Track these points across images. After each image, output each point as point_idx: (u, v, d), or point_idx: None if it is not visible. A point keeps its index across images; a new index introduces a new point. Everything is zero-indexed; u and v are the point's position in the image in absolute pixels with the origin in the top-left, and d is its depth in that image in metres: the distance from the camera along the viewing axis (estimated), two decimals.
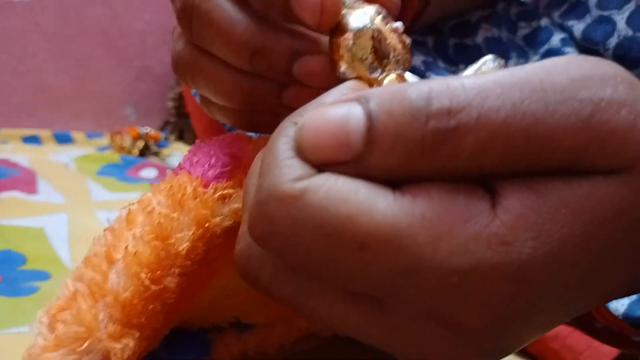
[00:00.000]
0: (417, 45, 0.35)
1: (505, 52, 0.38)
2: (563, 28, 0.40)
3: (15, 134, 0.87)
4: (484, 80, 0.13)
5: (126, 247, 0.17)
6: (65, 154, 0.76)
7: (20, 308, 0.34)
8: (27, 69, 1.04)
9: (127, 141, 0.81)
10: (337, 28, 0.17)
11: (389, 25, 0.17)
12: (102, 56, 1.09)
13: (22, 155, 0.73)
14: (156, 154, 0.82)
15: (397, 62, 0.17)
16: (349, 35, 0.17)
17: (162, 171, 0.68)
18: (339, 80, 0.17)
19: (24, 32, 1.02)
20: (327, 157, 0.13)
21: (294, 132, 0.14)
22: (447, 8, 0.38)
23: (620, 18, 0.36)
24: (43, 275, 0.40)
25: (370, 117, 0.13)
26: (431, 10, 0.34)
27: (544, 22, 0.40)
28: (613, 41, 0.36)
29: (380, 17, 0.17)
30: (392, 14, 0.18)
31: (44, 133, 0.88)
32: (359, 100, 0.13)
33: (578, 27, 0.38)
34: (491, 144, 0.13)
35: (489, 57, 0.17)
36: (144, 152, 0.81)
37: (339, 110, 0.13)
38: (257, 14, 0.19)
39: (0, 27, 0.98)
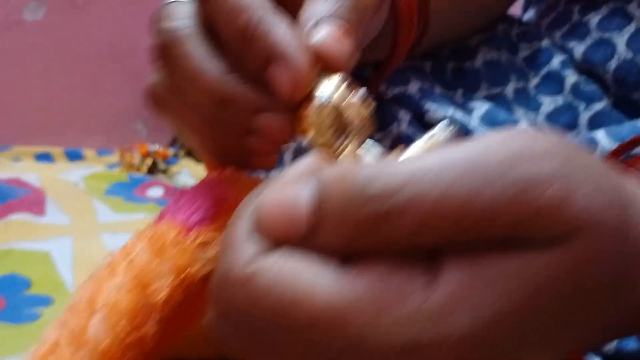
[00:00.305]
0: (414, 71, 0.35)
1: (505, 76, 0.38)
2: (564, 49, 0.39)
3: (28, 151, 0.88)
4: (418, 163, 0.14)
5: (107, 297, 0.17)
6: (76, 172, 0.77)
7: (21, 336, 0.35)
8: (37, 85, 1.06)
9: (136, 158, 0.82)
10: (305, 98, 0.19)
11: (351, 95, 0.18)
12: (112, 72, 1.10)
13: (33, 173, 0.73)
14: (164, 171, 0.83)
15: (358, 131, 0.18)
16: (312, 108, 0.18)
17: (168, 190, 0.69)
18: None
19: (35, 49, 1.03)
20: (279, 236, 0.14)
21: (252, 210, 0.15)
22: (446, 34, 0.38)
23: (621, 40, 0.36)
24: (46, 301, 0.40)
25: (315, 200, 0.14)
26: (429, 37, 0.34)
27: (545, 43, 0.40)
28: (613, 63, 0.36)
29: (342, 87, 0.18)
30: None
31: (56, 150, 0.89)
32: (307, 182, 0.15)
33: (578, 48, 0.38)
34: (426, 224, 0.13)
35: (440, 126, 0.17)
36: (152, 170, 0.81)
37: (290, 191, 0.15)
38: (229, 65, 0.20)
39: (10, 44, 1.00)
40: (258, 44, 0.19)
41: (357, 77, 0.31)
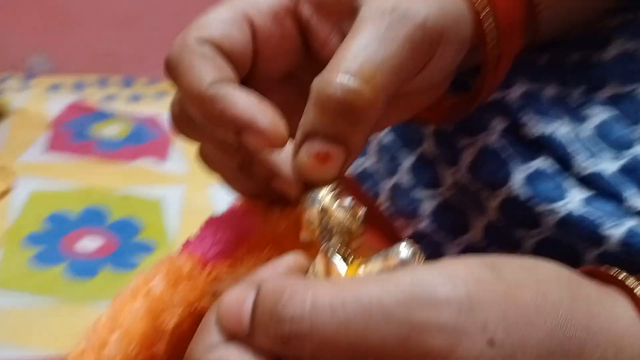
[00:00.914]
0: (522, 69, 0.31)
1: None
2: None
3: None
4: (328, 297, 0.15)
5: (124, 319, 0.19)
6: None
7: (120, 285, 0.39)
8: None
9: None
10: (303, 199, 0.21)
11: (337, 202, 0.20)
12: None
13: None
14: None
15: (340, 234, 0.20)
16: (303, 210, 0.20)
17: None
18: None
19: None
20: (230, 330, 0.17)
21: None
22: (569, 22, 0.32)
23: None
24: (149, 249, 0.45)
25: (253, 307, 0.16)
26: (546, 32, 0.29)
27: None
28: None
29: (330, 195, 0.20)
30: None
31: None
32: (255, 289, 0.17)
33: None
34: (323, 351, 0.15)
35: (401, 247, 0.18)
36: None
37: (242, 293, 0.17)
38: None
39: None
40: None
41: (459, 84, 0.28)
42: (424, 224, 0.38)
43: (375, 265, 0.19)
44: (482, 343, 0.15)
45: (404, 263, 0.18)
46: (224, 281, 0.21)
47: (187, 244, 0.22)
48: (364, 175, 0.44)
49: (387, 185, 0.40)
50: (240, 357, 0.16)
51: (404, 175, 0.38)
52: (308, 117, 0.20)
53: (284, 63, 0.23)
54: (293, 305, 0.16)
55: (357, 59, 0.19)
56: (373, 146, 0.44)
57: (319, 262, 0.20)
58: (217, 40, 0.21)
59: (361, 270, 0.19)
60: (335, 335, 0.15)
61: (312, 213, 0.20)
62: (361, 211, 0.20)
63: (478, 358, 0.14)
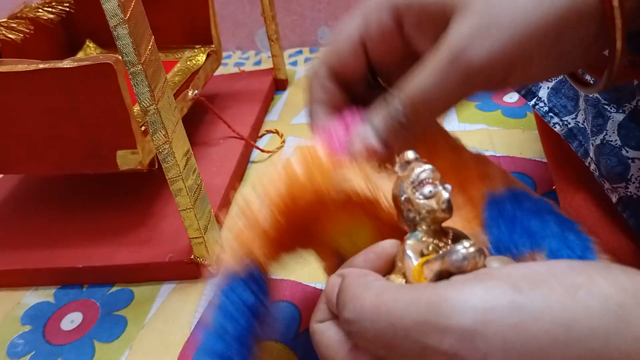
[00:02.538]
0: None
1: None
2: None
3: None
4: (372, 308, 0.19)
5: (267, 189, 0.25)
6: None
7: None
8: None
9: None
10: None
11: (417, 192, 0.21)
12: None
13: None
14: None
15: (424, 222, 0.22)
16: (392, 199, 0.23)
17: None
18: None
19: None
20: (331, 311, 0.22)
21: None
22: None
23: None
24: None
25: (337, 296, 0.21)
26: None
27: None
28: None
29: (411, 187, 0.22)
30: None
31: None
32: (341, 276, 0.21)
33: None
34: (368, 346, 0.19)
35: (458, 247, 0.19)
36: None
37: (336, 280, 0.22)
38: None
39: None
40: None
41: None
42: (633, 187, 0.35)
43: (435, 264, 0.20)
44: None
45: (457, 268, 0.19)
46: (352, 179, 0.24)
47: (327, 134, 0.26)
48: (571, 134, 0.41)
49: (595, 142, 0.37)
50: (332, 331, 0.21)
51: (611, 133, 0.35)
52: (376, 118, 0.26)
53: (398, 73, 0.27)
54: (349, 310, 0.20)
55: (414, 83, 0.24)
56: (581, 103, 0.40)
57: (398, 258, 0.23)
58: (333, 67, 0.28)
59: (425, 269, 0.20)
60: (373, 339, 0.18)
61: (397, 202, 0.23)
62: (444, 196, 0.21)
63: None
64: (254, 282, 0.25)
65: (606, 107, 0.35)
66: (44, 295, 0.52)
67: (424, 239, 0.22)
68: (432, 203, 0.21)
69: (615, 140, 0.35)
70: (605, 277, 0.16)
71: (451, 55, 0.22)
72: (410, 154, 0.23)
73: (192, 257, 0.49)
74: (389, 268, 0.23)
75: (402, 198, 0.22)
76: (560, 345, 0.15)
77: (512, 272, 0.17)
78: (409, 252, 0.21)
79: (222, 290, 0.25)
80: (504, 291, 0.16)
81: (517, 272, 0.17)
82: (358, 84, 0.29)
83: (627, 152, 0.34)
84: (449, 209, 0.21)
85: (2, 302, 0.52)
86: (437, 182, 0.22)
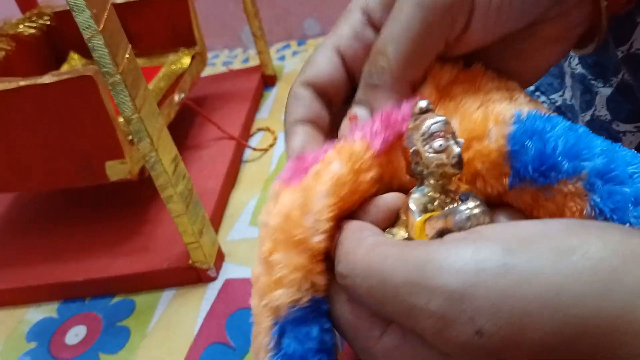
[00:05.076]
0: None
1: None
2: None
3: None
4: (365, 264, 0.18)
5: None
6: None
7: None
8: None
9: None
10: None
11: (427, 145, 0.21)
12: None
13: None
14: None
15: (433, 176, 0.21)
16: (403, 152, 0.22)
17: None
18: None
19: None
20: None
21: None
22: None
23: None
24: None
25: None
26: None
27: None
28: None
29: (421, 139, 0.21)
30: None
31: None
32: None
33: None
34: (360, 301, 0.20)
35: (462, 206, 0.18)
36: None
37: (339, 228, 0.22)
38: None
39: None
40: None
41: None
42: None
43: (438, 222, 0.19)
44: (469, 333, 0.15)
45: (459, 229, 0.18)
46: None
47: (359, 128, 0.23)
48: (559, 112, 0.41)
49: (584, 119, 0.37)
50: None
51: (600, 108, 0.35)
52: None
53: None
54: (342, 265, 0.20)
55: (380, 37, 0.23)
56: (567, 80, 0.40)
57: (402, 211, 0.22)
58: (311, 81, 0.26)
59: (427, 226, 0.20)
60: (365, 295, 0.18)
61: (406, 154, 0.22)
62: (455, 150, 0.20)
63: (466, 344, 0.15)
64: (321, 313, 0.22)
65: (593, 82, 0.35)
66: (46, 310, 0.52)
67: (430, 193, 0.21)
68: (442, 157, 0.20)
69: (605, 114, 0.34)
70: (601, 238, 0.15)
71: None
72: (422, 103, 0.22)
73: (190, 262, 0.49)
74: (391, 221, 0.22)
75: (411, 150, 0.21)
76: (548, 311, 0.14)
77: (505, 232, 0.16)
78: (413, 207, 0.21)
79: (284, 332, 0.21)
80: (494, 252, 0.16)
81: (509, 231, 0.16)
82: (338, 97, 0.27)
83: (618, 125, 0.34)
84: (458, 164, 0.20)
85: (5, 320, 0.52)
86: (449, 136, 0.21)
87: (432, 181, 0.21)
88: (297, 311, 0.21)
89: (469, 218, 0.18)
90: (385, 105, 0.23)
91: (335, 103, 0.27)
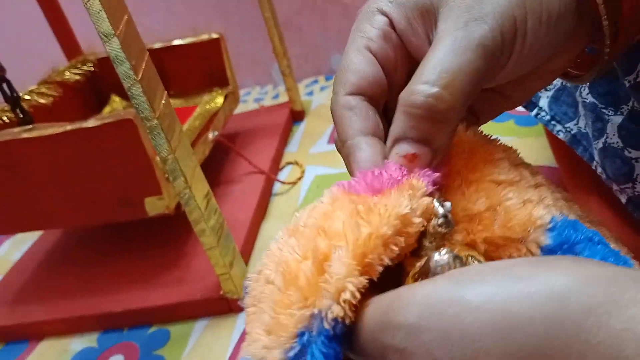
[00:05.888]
0: None
1: None
2: None
3: None
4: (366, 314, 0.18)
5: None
6: None
7: None
8: None
9: None
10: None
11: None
12: None
13: None
14: None
15: (428, 237, 0.22)
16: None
17: None
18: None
19: None
20: None
21: None
22: None
23: None
24: None
25: None
26: None
27: None
28: None
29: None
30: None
31: None
32: None
33: None
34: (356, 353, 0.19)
35: (432, 257, 0.19)
36: None
37: None
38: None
39: None
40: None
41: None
42: (639, 187, 0.35)
43: (418, 270, 0.20)
44: None
45: (433, 274, 0.19)
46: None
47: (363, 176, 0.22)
48: (575, 140, 0.42)
49: (597, 146, 0.38)
50: None
51: (612, 135, 0.36)
52: (396, 124, 0.22)
53: (404, 74, 0.25)
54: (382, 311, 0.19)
55: (435, 70, 0.21)
56: (580, 109, 0.41)
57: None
58: (358, 86, 0.23)
59: (411, 277, 0.21)
60: (359, 350, 0.18)
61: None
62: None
63: None
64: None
65: (604, 110, 0.36)
66: (88, 340, 0.55)
67: (422, 252, 0.22)
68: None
69: (617, 142, 0.35)
70: (549, 264, 0.16)
71: (465, 29, 0.21)
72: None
73: (221, 292, 0.51)
74: None
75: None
76: (500, 335, 0.15)
77: (463, 270, 0.17)
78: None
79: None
80: (446, 285, 0.16)
81: (466, 269, 0.18)
82: (383, 100, 0.25)
83: (630, 152, 0.34)
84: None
85: (50, 350, 0.55)
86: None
87: (426, 243, 0.22)
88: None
89: (438, 263, 0.19)
90: (447, 144, 0.22)
91: (379, 107, 0.24)
